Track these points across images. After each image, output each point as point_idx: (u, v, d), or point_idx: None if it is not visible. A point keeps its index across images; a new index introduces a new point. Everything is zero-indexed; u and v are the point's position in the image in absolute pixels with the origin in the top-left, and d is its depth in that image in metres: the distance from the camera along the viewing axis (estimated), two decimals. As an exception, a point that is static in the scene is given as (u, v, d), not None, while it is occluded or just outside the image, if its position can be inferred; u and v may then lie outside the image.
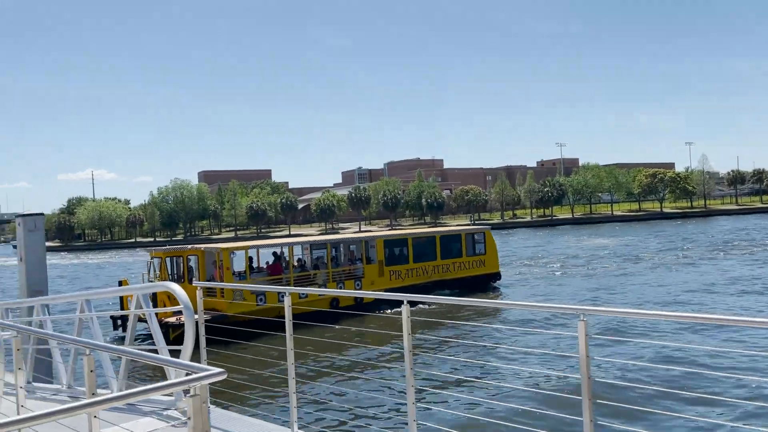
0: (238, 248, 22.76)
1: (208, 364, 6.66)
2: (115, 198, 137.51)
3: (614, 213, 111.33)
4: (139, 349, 6.22)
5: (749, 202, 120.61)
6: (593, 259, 40.69)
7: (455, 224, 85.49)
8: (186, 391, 2.85)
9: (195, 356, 6.29)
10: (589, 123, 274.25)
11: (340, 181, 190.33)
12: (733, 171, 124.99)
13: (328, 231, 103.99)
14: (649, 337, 16.06)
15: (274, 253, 24.10)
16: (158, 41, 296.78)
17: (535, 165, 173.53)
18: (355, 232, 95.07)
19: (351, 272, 24.15)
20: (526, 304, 5.09)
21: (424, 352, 15.26)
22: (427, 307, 22.00)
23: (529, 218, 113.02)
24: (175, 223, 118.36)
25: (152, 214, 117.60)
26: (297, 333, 5.97)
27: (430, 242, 27.18)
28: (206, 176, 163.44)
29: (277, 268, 22.87)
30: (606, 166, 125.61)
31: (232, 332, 15.01)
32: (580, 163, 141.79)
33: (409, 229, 69.95)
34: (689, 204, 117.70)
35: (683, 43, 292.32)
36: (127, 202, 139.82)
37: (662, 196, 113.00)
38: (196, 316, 6.31)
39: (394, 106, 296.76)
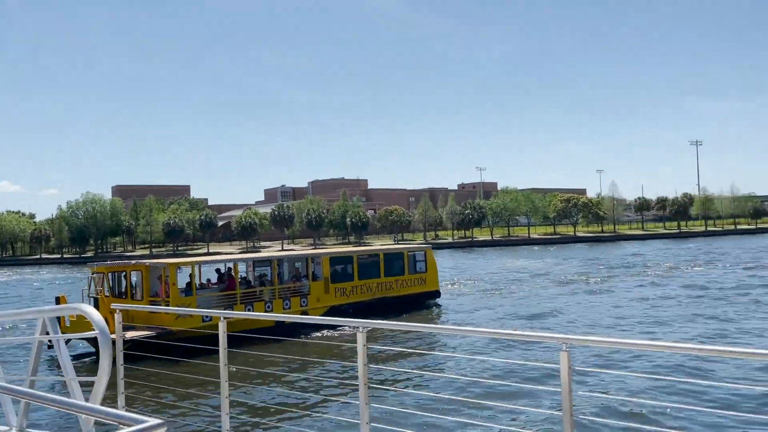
0: (184, 264, 22.33)
1: (126, 396, 5.92)
2: (19, 212, 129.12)
3: (531, 236, 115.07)
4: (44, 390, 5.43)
5: (653, 228, 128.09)
6: (524, 280, 41.58)
7: (379, 244, 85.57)
8: None
9: (112, 386, 5.57)
10: (508, 149, 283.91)
11: (262, 198, 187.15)
12: (639, 198, 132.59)
13: (249, 249, 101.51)
14: (634, 369, 14.64)
15: (218, 270, 23.69)
16: (71, 47, 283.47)
17: (456, 188, 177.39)
18: (278, 251, 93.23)
19: (297, 289, 24.04)
20: (502, 332, 4.49)
21: (379, 384, 13.50)
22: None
23: (450, 239, 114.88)
24: (85, 239, 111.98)
25: (60, 229, 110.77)
26: (242, 349, 5.31)
27: (374, 260, 27.26)
28: (120, 190, 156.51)
29: (233, 283, 22.66)
30: (523, 190, 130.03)
31: (175, 350, 14.71)
32: (499, 187, 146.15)
33: (332, 248, 69.27)
34: (600, 228, 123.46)
35: (597, 74, 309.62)
36: (32, 216, 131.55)
37: (575, 220, 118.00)
38: (112, 336, 5.55)
39: (319, 125, 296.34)
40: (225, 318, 5.36)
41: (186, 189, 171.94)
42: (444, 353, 17.22)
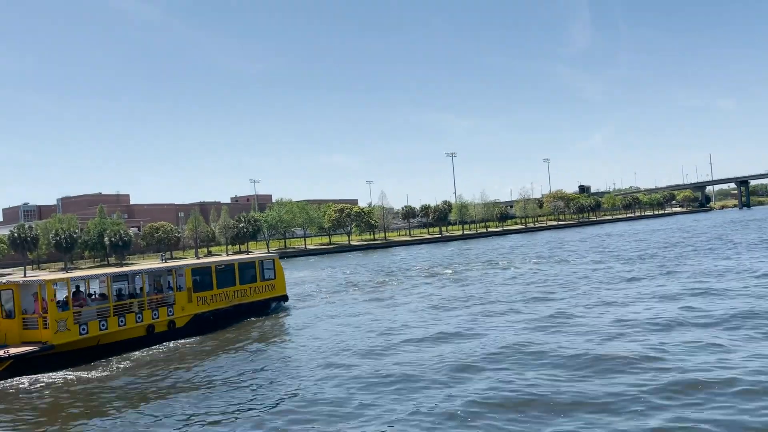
0: (59, 280, 22.41)
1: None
2: None
3: (307, 247, 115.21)
4: None
5: (419, 234, 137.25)
6: (316, 289, 41.58)
7: (146, 263, 78.08)
8: None
9: None
10: (281, 161, 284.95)
11: (0, 219, 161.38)
12: (405, 207, 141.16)
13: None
14: None
15: (77, 287, 23.50)
16: None
17: (229, 201, 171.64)
18: (22, 278, 79.71)
19: (163, 300, 25.20)
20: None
21: None
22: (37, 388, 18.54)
23: (224, 255, 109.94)
24: None
25: None
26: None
27: (230, 269, 29.04)
28: None
29: (84, 300, 23.26)
30: (298, 202, 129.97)
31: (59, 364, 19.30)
32: (274, 199, 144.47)
33: (88, 271, 61.21)
34: (372, 236, 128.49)
35: (363, 95, 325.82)
36: None
37: (349, 229, 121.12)
38: None
39: (71, 136, 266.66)
40: None
41: None
42: None
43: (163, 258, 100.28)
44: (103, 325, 22.46)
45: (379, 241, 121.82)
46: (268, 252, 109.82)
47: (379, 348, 19.90)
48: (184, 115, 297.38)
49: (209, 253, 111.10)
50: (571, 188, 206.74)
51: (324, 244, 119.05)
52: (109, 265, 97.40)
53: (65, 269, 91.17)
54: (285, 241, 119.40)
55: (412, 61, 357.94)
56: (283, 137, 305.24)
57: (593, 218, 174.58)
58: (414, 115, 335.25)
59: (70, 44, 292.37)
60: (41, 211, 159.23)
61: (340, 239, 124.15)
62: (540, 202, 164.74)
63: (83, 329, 21.83)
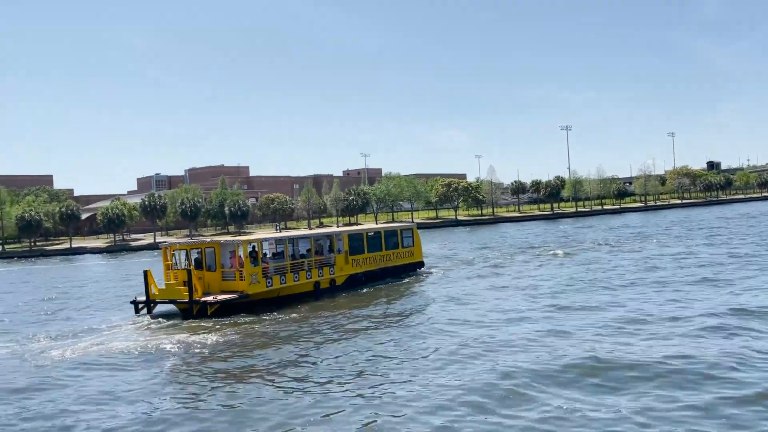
0: (251, 241, 26.49)
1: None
2: None
3: (414, 220, 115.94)
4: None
5: (529, 210, 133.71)
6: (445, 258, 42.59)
7: (261, 233, 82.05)
8: None
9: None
10: (392, 136, 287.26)
11: (135, 188, 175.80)
12: (515, 182, 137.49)
13: (118, 243, 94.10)
14: None
15: (253, 247, 26.46)
16: None
17: (341, 174, 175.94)
18: (150, 244, 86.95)
19: (325, 261, 28.90)
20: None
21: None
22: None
23: (335, 227, 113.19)
24: None
25: None
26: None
27: (377, 236, 32.68)
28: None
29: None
30: (406, 176, 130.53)
31: (252, 309, 24.07)
32: (383, 172, 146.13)
33: (218, 237, 65.29)
34: (480, 212, 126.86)
35: (474, 69, 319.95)
36: None
37: (456, 204, 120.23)
38: None
39: (198, 111, 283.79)
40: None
41: (48, 179, 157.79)
42: None
43: (278, 228, 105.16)
44: (282, 279, 26.26)
45: (486, 217, 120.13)
46: (376, 224, 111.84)
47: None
48: (301, 90, 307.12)
49: (321, 224, 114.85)
50: (698, 165, 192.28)
51: (431, 218, 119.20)
52: (228, 233, 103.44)
53: (190, 236, 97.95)
54: (393, 215, 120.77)
55: (526, 34, 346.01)
56: (395, 112, 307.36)
57: (723, 197, 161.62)
58: (527, 89, 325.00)
59: (194, 24, 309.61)
60: (171, 181, 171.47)
61: (447, 214, 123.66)
62: (662, 179, 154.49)
63: (269, 282, 25.55)
